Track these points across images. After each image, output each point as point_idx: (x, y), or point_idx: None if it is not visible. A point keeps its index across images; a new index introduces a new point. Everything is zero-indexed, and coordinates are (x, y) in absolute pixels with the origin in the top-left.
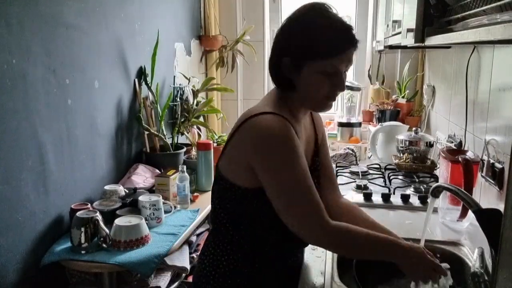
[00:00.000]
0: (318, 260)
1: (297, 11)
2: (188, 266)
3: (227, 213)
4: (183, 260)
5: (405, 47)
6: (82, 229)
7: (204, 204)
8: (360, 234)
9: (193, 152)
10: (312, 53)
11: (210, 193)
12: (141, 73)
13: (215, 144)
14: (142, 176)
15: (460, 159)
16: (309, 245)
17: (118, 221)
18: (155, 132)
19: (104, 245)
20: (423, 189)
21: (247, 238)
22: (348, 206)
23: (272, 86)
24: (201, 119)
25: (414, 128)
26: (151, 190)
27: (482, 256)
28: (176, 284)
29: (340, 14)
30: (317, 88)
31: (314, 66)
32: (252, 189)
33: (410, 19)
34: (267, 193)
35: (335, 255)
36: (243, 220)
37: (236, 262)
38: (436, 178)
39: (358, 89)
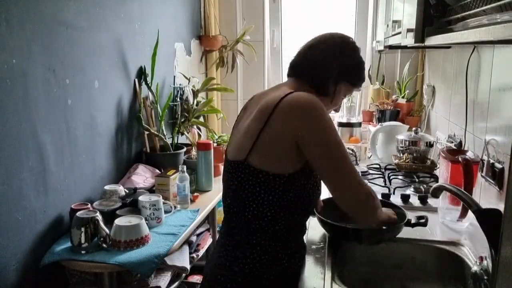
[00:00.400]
0: (318, 261)
1: (340, 38)
2: (188, 266)
3: (268, 205)
4: (183, 260)
5: (405, 47)
6: (82, 229)
7: (204, 204)
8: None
9: (193, 152)
10: (351, 78)
11: (209, 193)
12: (141, 73)
13: (215, 144)
14: (142, 176)
15: (460, 159)
16: (309, 245)
17: (118, 221)
18: (155, 132)
19: (104, 245)
20: (423, 189)
21: (287, 226)
22: None
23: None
24: (201, 119)
25: (414, 128)
26: (151, 190)
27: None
28: (176, 284)
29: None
30: (337, 102)
31: (344, 87)
32: (296, 173)
33: (410, 19)
34: (319, 164)
35: (335, 255)
36: (284, 207)
37: (281, 254)
38: (436, 178)
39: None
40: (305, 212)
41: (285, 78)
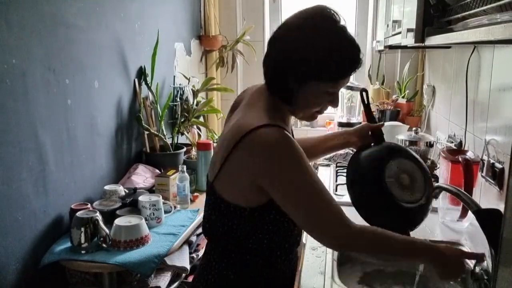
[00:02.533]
0: (318, 260)
1: (306, 18)
2: (188, 266)
3: (232, 235)
4: (183, 260)
5: (405, 47)
6: (82, 229)
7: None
8: (387, 234)
9: (193, 152)
10: (321, 74)
11: None
12: (141, 73)
13: (215, 144)
14: (142, 176)
15: (460, 159)
16: (309, 245)
17: (118, 221)
18: (155, 132)
19: (104, 245)
20: None
21: (256, 254)
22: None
23: None
24: (201, 119)
25: (414, 128)
26: (151, 190)
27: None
28: (176, 284)
29: (345, 24)
30: (316, 104)
31: (319, 85)
32: (259, 207)
33: (410, 19)
34: (284, 208)
35: (335, 255)
36: (251, 239)
37: (246, 277)
38: (436, 178)
39: (358, 89)
40: (274, 251)
41: None
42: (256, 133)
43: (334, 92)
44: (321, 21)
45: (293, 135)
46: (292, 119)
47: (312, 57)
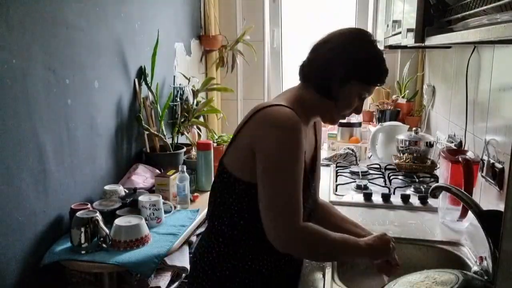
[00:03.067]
0: None
1: (352, 32)
2: (188, 266)
3: (228, 208)
4: (183, 260)
5: (405, 47)
6: (82, 229)
7: (204, 204)
8: (330, 235)
9: (193, 152)
10: (363, 75)
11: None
12: (141, 73)
13: (215, 144)
14: (142, 176)
15: (460, 159)
16: None
17: (118, 221)
18: (155, 132)
19: (104, 245)
20: (423, 189)
21: (247, 234)
22: (323, 203)
23: (272, 86)
24: (201, 119)
25: (414, 128)
26: (151, 190)
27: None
28: (176, 284)
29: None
30: (349, 105)
31: (357, 87)
32: (255, 184)
33: (410, 19)
34: (258, 180)
35: None
36: (244, 215)
37: (238, 260)
38: (436, 178)
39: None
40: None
41: (285, 78)
42: (270, 109)
43: (364, 97)
44: (364, 34)
45: (315, 130)
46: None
47: (355, 59)
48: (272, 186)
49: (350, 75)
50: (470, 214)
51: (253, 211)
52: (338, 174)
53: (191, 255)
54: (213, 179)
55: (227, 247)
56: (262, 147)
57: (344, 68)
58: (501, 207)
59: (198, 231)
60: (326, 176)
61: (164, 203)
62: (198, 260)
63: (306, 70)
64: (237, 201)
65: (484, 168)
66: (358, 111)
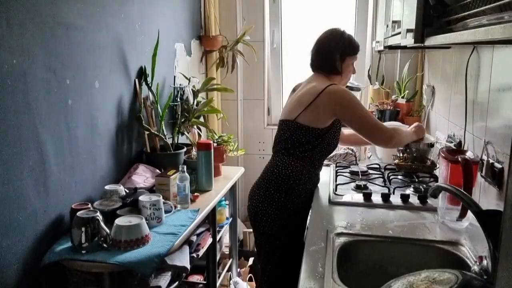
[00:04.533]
0: (318, 260)
1: (334, 31)
2: (188, 266)
3: (303, 148)
4: (183, 260)
5: (404, 47)
6: (83, 229)
7: (204, 204)
8: (403, 131)
9: (193, 152)
10: (351, 51)
11: (210, 193)
12: (141, 73)
13: (215, 144)
14: (143, 176)
15: (459, 159)
16: (309, 244)
17: (118, 221)
18: (156, 132)
19: (104, 245)
20: (423, 189)
21: (314, 160)
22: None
23: (272, 86)
24: (201, 119)
25: None
26: (151, 190)
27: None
28: (176, 284)
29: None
30: (350, 71)
31: (350, 59)
32: (326, 128)
33: (409, 19)
34: (351, 124)
35: (335, 255)
36: (312, 147)
37: (299, 169)
38: (436, 178)
39: (358, 89)
40: (326, 155)
41: (285, 78)
42: (329, 88)
43: (353, 63)
44: (341, 31)
45: None
46: None
47: (346, 44)
48: (368, 125)
49: (344, 54)
50: (469, 214)
51: (317, 144)
52: (337, 174)
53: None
54: (213, 179)
55: (298, 165)
56: (347, 111)
57: (340, 51)
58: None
59: (198, 231)
60: (326, 176)
61: (164, 203)
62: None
63: (318, 61)
64: (309, 142)
65: (484, 168)
66: (354, 71)
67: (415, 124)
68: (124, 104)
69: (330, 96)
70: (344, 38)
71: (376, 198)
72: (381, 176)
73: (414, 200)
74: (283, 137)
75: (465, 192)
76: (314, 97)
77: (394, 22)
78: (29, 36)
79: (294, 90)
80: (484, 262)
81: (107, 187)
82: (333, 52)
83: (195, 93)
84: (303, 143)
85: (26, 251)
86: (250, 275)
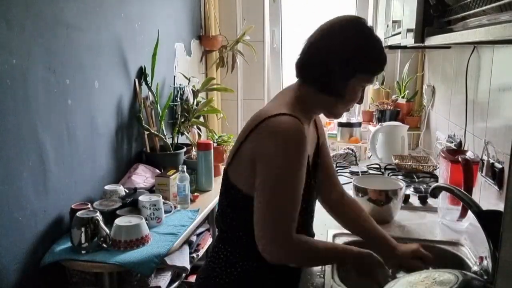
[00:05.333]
0: None
1: (348, 22)
2: (188, 266)
3: (239, 221)
4: (183, 260)
5: (405, 47)
6: (82, 229)
7: (204, 204)
8: (317, 244)
9: (193, 152)
10: (366, 67)
11: (209, 193)
12: (141, 73)
13: (215, 144)
14: (142, 176)
15: (460, 159)
16: None
17: (118, 221)
18: (155, 132)
19: (104, 245)
20: (423, 189)
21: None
22: (351, 204)
23: (272, 86)
24: (201, 119)
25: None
26: (151, 190)
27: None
28: (176, 284)
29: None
30: (355, 98)
31: (361, 78)
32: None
33: (410, 19)
34: (256, 192)
35: None
36: (245, 226)
37: (251, 267)
38: (436, 178)
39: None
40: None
41: (285, 78)
42: (274, 119)
43: (364, 87)
44: (360, 24)
45: (316, 125)
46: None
47: (358, 53)
48: (268, 201)
49: (354, 70)
50: (470, 214)
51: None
52: (338, 174)
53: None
54: (213, 179)
55: (250, 261)
56: (263, 159)
57: (344, 64)
58: (500, 207)
59: (198, 231)
60: None
61: (164, 203)
62: (211, 263)
63: (306, 69)
64: (250, 216)
65: (484, 168)
66: (361, 101)
67: (366, 252)
68: (124, 104)
69: (263, 130)
70: (364, 46)
71: None
72: (381, 176)
73: (414, 200)
74: (223, 205)
75: (465, 192)
76: (249, 130)
77: (394, 22)
78: (29, 36)
79: None
80: (485, 262)
81: (107, 187)
82: (335, 61)
83: (195, 93)
84: (235, 216)
85: (25, 251)
86: None
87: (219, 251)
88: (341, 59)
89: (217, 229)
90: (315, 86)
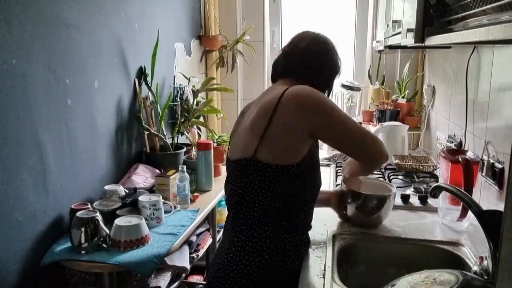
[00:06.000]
0: (318, 260)
1: (322, 38)
2: (188, 266)
3: (275, 199)
4: (183, 260)
5: (405, 47)
6: (82, 229)
7: (204, 204)
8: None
9: (193, 152)
10: (337, 70)
11: (209, 193)
12: (141, 73)
13: (215, 144)
14: (142, 176)
15: (460, 159)
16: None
17: (118, 221)
18: (155, 132)
19: (104, 245)
20: (423, 189)
21: (295, 219)
22: None
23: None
24: (201, 119)
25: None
26: (151, 190)
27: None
28: (176, 284)
29: None
30: (331, 89)
31: (336, 74)
32: (297, 164)
33: (410, 19)
34: (335, 142)
35: (335, 255)
36: (291, 200)
37: (278, 256)
38: (436, 178)
39: (358, 89)
40: (309, 203)
41: None
42: (290, 91)
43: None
44: (329, 41)
45: None
46: None
47: (335, 61)
48: (356, 136)
49: (333, 68)
50: (470, 214)
51: (300, 189)
52: (338, 174)
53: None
54: (213, 179)
55: (276, 247)
56: (324, 119)
57: (330, 64)
58: (501, 207)
59: (198, 231)
60: (326, 176)
61: (164, 203)
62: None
63: (291, 67)
64: (287, 188)
65: (484, 168)
66: (330, 92)
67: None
68: (124, 104)
69: (297, 100)
70: (334, 50)
71: None
72: (381, 176)
73: (414, 200)
74: (238, 190)
75: (465, 192)
76: (271, 111)
77: (394, 21)
78: (28, 35)
79: (242, 113)
80: (485, 262)
81: (106, 187)
82: (325, 62)
83: (195, 93)
84: (273, 195)
85: (25, 251)
86: None
87: (243, 244)
88: (327, 61)
89: (233, 224)
90: (312, 82)
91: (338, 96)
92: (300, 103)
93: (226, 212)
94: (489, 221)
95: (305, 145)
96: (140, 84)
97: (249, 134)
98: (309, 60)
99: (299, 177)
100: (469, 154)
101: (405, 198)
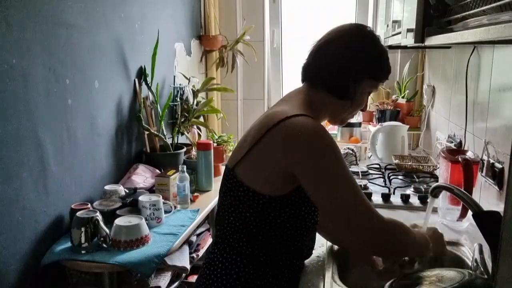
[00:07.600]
0: (318, 261)
1: (356, 29)
2: (188, 266)
3: (244, 223)
4: (183, 260)
5: (405, 47)
6: (82, 229)
7: (204, 204)
8: (409, 229)
9: (193, 152)
10: (374, 72)
11: (209, 193)
12: (141, 73)
13: (215, 144)
14: (142, 176)
15: (460, 159)
16: None
17: (118, 221)
18: (155, 132)
19: (104, 245)
20: (423, 189)
21: (263, 250)
22: None
23: (272, 86)
24: (201, 119)
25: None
26: (151, 190)
27: (481, 254)
28: (176, 284)
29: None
30: (362, 103)
31: (369, 84)
32: (279, 197)
33: (410, 19)
34: (316, 199)
35: (335, 255)
36: (262, 230)
37: (248, 275)
38: (436, 178)
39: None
40: (286, 240)
41: (285, 78)
42: (290, 121)
43: (369, 94)
44: (368, 32)
45: None
46: None
47: (367, 57)
48: (341, 197)
49: (363, 73)
50: (470, 214)
51: (273, 224)
52: None
53: (201, 273)
54: (213, 179)
55: (246, 267)
56: (305, 169)
57: (357, 67)
58: (500, 207)
59: (198, 231)
60: None
61: (164, 203)
62: (206, 269)
63: (314, 71)
64: (256, 216)
65: (484, 168)
66: (365, 108)
67: (432, 229)
68: (124, 104)
69: (282, 138)
70: (377, 52)
71: (377, 198)
72: (381, 176)
73: (414, 200)
74: (220, 198)
75: (465, 192)
76: (263, 132)
77: (394, 21)
78: (28, 35)
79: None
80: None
81: (106, 187)
82: (349, 65)
83: (195, 93)
84: (241, 216)
85: (25, 251)
86: None
87: (215, 258)
88: (358, 63)
89: (214, 231)
90: (328, 89)
91: None
92: (287, 140)
93: None
94: (486, 221)
95: (286, 184)
96: (140, 84)
97: (242, 144)
98: (330, 64)
99: (271, 211)
100: (469, 154)
101: (405, 198)
